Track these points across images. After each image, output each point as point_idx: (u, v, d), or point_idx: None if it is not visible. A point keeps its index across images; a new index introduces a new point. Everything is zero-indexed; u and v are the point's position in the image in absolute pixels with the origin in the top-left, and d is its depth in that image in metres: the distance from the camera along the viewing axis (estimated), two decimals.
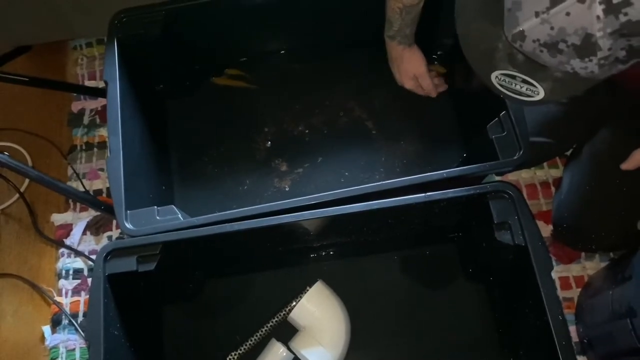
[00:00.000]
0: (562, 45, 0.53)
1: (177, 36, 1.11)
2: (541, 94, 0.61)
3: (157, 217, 0.92)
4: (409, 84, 1.11)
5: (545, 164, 1.17)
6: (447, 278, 1.07)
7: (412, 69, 1.09)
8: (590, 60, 0.52)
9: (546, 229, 1.11)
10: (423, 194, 0.89)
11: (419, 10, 0.99)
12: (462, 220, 1.01)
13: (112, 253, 0.89)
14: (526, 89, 0.62)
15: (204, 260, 1.04)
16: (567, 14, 0.50)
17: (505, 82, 0.62)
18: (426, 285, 1.07)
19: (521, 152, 0.91)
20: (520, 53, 0.58)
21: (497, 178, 1.12)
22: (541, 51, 0.55)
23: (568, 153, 1.11)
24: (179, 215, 0.92)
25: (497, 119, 0.95)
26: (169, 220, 0.91)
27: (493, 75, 0.62)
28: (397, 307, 1.05)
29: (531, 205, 0.99)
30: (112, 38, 1.05)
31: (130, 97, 1.04)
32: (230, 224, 0.90)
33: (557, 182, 1.14)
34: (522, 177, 1.17)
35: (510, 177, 1.16)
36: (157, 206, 0.93)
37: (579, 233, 1.02)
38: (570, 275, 1.09)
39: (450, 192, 0.90)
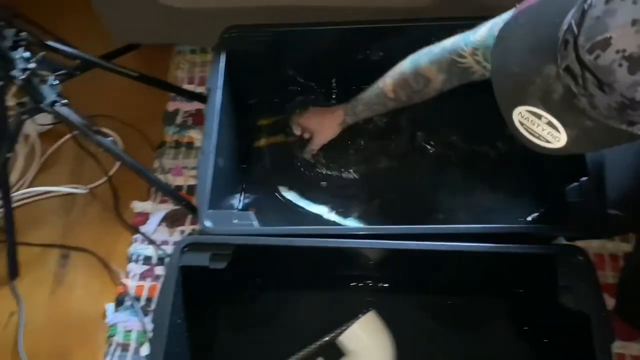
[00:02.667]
0: None
1: (278, 57, 1.18)
2: (562, 142, 0.58)
3: (234, 221, 0.97)
4: (296, 130, 1.18)
5: (617, 237, 1.16)
6: (500, 333, 1.06)
7: (317, 127, 1.14)
8: None
9: (609, 302, 1.09)
10: (492, 244, 0.91)
11: (385, 106, 1.02)
12: (524, 277, 1.01)
13: (189, 246, 0.95)
14: (547, 133, 0.58)
15: (268, 269, 1.09)
16: None
17: (528, 120, 0.59)
18: (477, 336, 1.07)
19: (595, 222, 0.91)
20: (559, 91, 0.54)
21: (566, 242, 1.11)
22: (620, 65, 0.49)
23: None
24: (255, 222, 0.98)
25: (577, 183, 0.96)
26: (245, 225, 0.97)
27: (516, 111, 0.59)
28: (444, 352, 1.05)
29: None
30: (221, 49, 1.13)
31: (226, 107, 1.11)
32: (300, 238, 0.95)
33: (627, 256, 1.12)
34: (591, 245, 1.16)
35: (580, 242, 1.15)
36: (236, 210, 0.99)
37: None
38: (627, 353, 1.06)
39: (519, 247, 0.91)
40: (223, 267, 0.93)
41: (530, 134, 0.60)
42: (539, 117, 0.58)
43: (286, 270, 1.09)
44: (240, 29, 1.15)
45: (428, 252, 0.94)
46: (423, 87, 0.95)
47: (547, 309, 0.94)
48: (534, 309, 1.03)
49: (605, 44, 0.50)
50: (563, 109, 0.55)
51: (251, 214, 0.99)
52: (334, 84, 1.29)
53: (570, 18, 0.54)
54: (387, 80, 0.98)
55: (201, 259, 0.94)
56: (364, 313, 1.04)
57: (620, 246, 1.16)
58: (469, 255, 0.94)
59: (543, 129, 0.58)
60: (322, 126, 1.13)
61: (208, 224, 0.96)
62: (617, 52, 0.49)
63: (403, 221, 1.01)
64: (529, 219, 1.09)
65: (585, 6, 0.52)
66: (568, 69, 0.53)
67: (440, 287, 1.09)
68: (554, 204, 1.04)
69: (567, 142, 0.57)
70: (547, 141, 0.59)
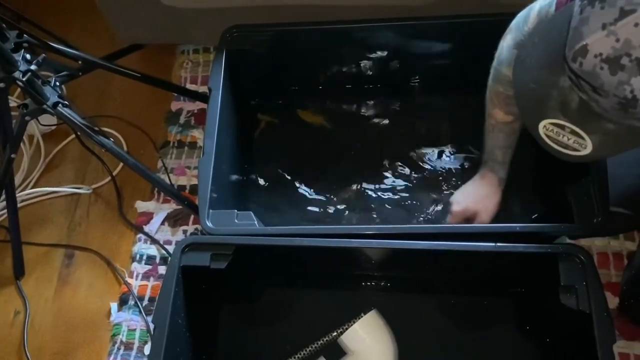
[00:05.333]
0: (625, 60, 0.50)
1: (280, 56, 1.18)
2: (588, 148, 0.59)
3: (236, 221, 0.98)
4: (455, 219, 1.03)
5: (621, 235, 1.15)
6: (502, 332, 1.06)
7: (478, 207, 1.00)
8: None
9: (613, 301, 1.08)
10: (493, 244, 0.91)
11: (513, 131, 0.95)
12: (527, 276, 1.01)
13: (190, 246, 0.95)
14: (573, 142, 0.60)
15: (269, 268, 1.09)
16: (636, 24, 0.49)
17: (553, 132, 0.61)
18: (480, 335, 1.06)
19: (598, 220, 0.90)
20: (574, 100, 0.56)
21: (569, 240, 1.10)
22: (601, 68, 0.52)
23: None
24: (256, 222, 0.98)
25: (580, 182, 0.95)
26: (246, 225, 0.97)
27: (541, 125, 0.61)
28: (446, 351, 1.05)
29: (601, 275, 0.97)
30: (222, 49, 1.14)
31: (228, 106, 1.12)
32: (301, 238, 0.95)
33: (631, 255, 1.11)
34: (595, 244, 1.15)
35: (583, 241, 1.14)
36: (237, 210, 0.99)
37: None
38: (631, 353, 1.05)
39: (520, 247, 0.90)
40: (223, 268, 0.94)
41: (558, 145, 0.62)
42: (563, 127, 0.60)
43: (287, 269, 1.09)
44: (241, 29, 1.15)
45: (430, 251, 0.93)
46: None
47: (549, 309, 0.93)
48: (536, 308, 1.02)
49: (584, 50, 0.53)
50: (582, 117, 0.57)
51: (252, 213, 0.99)
52: (336, 83, 1.29)
53: None
54: (493, 111, 0.94)
55: (202, 259, 0.94)
56: (365, 312, 1.04)
57: (625, 244, 1.15)
58: (472, 255, 0.93)
59: (569, 139, 0.60)
60: (483, 202, 1.01)
61: (209, 224, 0.96)
62: (595, 56, 0.52)
63: (402, 222, 1.01)
64: (532, 217, 1.09)
65: (570, 19, 0.55)
66: (570, 79, 0.56)
67: (442, 286, 1.09)
68: (557, 202, 1.03)
69: (594, 148, 0.59)
70: (575, 149, 0.61)
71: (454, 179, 1.17)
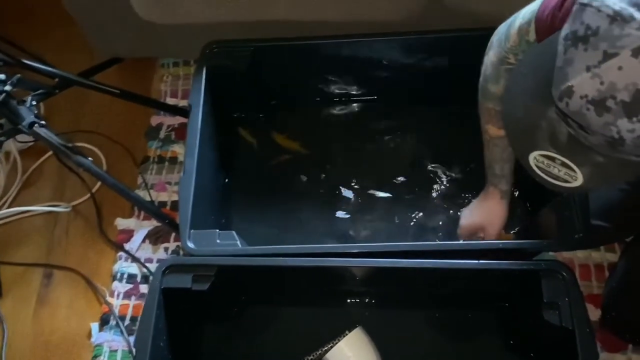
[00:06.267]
0: (610, 102, 0.50)
1: (260, 71, 1.18)
2: (579, 180, 0.59)
3: (218, 241, 0.96)
4: (465, 236, 1.04)
5: (602, 247, 1.16)
6: (486, 345, 1.06)
7: (484, 222, 1.00)
8: (639, 121, 0.50)
9: (595, 313, 1.09)
10: (476, 261, 0.91)
11: (508, 145, 0.92)
12: (510, 291, 1.01)
13: (171, 268, 0.94)
14: (564, 174, 0.59)
15: (252, 286, 1.08)
16: (620, 68, 0.49)
17: (544, 164, 0.60)
18: (464, 349, 1.07)
19: (580, 235, 0.91)
20: (563, 132, 0.56)
21: (552, 253, 1.11)
22: (587, 109, 0.52)
23: (628, 240, 1.09)
24: (238, 242, 0.97)
25: (560, 197, 0.96)
26: (228, 245, 0.96)
27: (531, 156, 0.61)
28: None
29: (582, 287, 0.98)
30: (202, 65, 1.13)
31: (209, 123, 1.11)
32: (284, 258, 0.94)
33: (612, 266, 1.12)
34: (577, 256, 1.16)
35: (565, 254, 1.15)
36: (218, 230, 0.98)
37: (629, 324, 1.00)
38: None
39: (503, 264, 0.91)
40: (205, 289, 0.92)
41: (549, 176, 0.61)
42: (553, 159, 0.59)
43: (271, 288, 1.08)
44: (221, 44, 1.14)
45: (414, 269, 0.93)
46: None
47: (533, 323, 0.94)
48: (520, 322, 1.03)
49: (569, 91, 0.52)
50: (572, 149, 0.57)
51: (234, 233, 0.98)
52: (316, 97, 1.29)
53: None
54: (486, 127, 0.94)
55: (183, 281, 0.93)
56: (350, 330, 1.03)
57: (606, 256, 1.16)
58: (455, 272, 0.93)
59: (559, 170, 0.60)
60: (488, 217, 1.01)
61: (190, 245, 0.95)
62: (581, 97, 0.52)
63: (383, 238, 1.01)
64: (512, 232, 1.09)
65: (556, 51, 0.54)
66: (558, 115, 0.56)
67: (427, 301, 1.09)
68: (540, 217, 1.04)
69: (585, 180, 0.58)
70: (566, 181, 0.60)
71: (435, 197, 1.18)
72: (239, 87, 1.20)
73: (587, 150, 0.56)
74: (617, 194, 1.03)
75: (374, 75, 1.22)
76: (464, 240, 1.04)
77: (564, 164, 0.59)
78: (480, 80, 0.91)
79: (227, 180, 1.23)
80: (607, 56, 0.50)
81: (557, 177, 0.61)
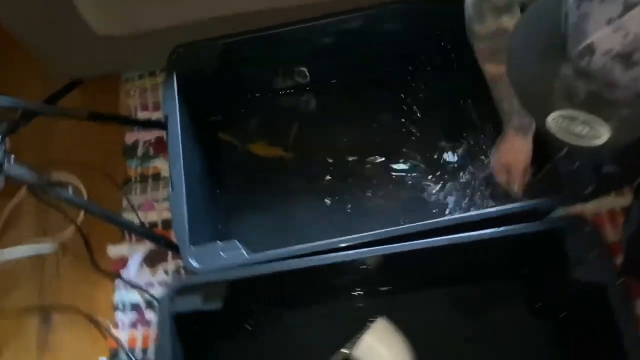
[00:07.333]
0: (637, 55, 0.48)
1: (233, 68, 1.12)
2: (604, 137, 0.55)
3: (222, 254, 0.91)
4: (500, 177, 1.04)
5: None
6: (512, 314, 1.03)
7: (509, 159, 1.00)
8: None
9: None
10: (498, 229, 0.87)
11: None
12: (529, 256, 0.98)
13: (178, 291, 0.88)
14: (587, 132, 0.56)
15: (263, 294, 1.02)
16: None
17: (564, 124, 0.57)
18: (491, 321, 1.03)
19: (593, 185, 0.88)
20: (581, 88, 0.53)
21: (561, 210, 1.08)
22: (613, 65, 0.49)
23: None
24: (243, 251, 0.91)
25: (564, 151, 0.92)
26: (234, 256, 0.91)
27: (550, 119, 0.57)
28: (462, 343, 1.02)
29: None
30: (171, 72, 1.06)
31: (188, 131, 1.05)
32: (294, 260, 0.89)
33: (626, 211, 1.09)
34: (587, 207, 1.13)
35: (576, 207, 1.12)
36: (218, 240, 0.93)
37: None
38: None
39: (523, 227, 0.87)
40: (219, 308, 0.87)
41: (571, 137, 0.58)
42: (573, 119, 0.55)
43: (282, 292, 1.03)
44: (188, 47, 1.08)
45: (428, 249, 0.89)
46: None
47: (559, 284, 0.91)
48: (545, 286, 1.00)
49: (590, 49, 0.50)
50: (593, 105, 0.53)
51: (236, 242, 0.93)
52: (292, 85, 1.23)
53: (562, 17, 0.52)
54: (485, 67, 0.92)
55: (193, 303, 0.88)
56: (373, 321, 0.99)
57: (616, 200, 1.13)
58: (472, 245, 0.89)
59: (582, 129, 0.56)
60: (512, 154, 1.00)
61: (194, 263, 0.89)
62: (604, 54, 0.49)
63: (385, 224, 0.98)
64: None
65: (565, 10, 0.51)
66: (576, 72, 0.52)
67: (445, 280, 1.05)
68: (545, 176, 1.00)
69: (611, 135, 0.55)
70: (591, 139, 0.57)
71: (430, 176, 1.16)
72: (211, 88, 1.15)
73: (610, 105, 0.53)
74: None
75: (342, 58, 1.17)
76: (502, 182, 1.04)
77: (585, 122, 0.55)
78: (466, 22, 0.89)
79: (217, 187, 1.17)
80: (628, 6, 0.47)
81: (580, 136, 0.57)
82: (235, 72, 1.14)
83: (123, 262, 1.20)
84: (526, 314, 1.02)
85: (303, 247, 0.91)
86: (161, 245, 1.06)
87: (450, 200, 1.12)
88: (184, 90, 1.06)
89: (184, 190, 0.95)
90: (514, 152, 1.00)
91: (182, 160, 0.97)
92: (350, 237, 0.91)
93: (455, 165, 1.15)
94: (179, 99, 1.04)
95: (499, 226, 0.88)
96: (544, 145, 0.97)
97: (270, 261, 0.90)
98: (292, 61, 1.19)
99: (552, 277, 0.94)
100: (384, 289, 1.06)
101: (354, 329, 1.01)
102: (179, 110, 1.02)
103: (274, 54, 1.14)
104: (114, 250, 1.21)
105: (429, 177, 1.15)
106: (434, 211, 1.11)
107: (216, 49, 1.08)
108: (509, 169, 1.02)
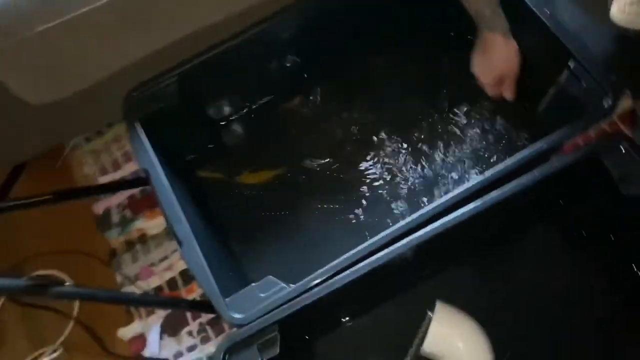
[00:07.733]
0: None
1: (195, 97, 1.03)
2: None
3: (261, 295, 0.82)
4: (491, 89, 0.99)
5: None
6: (563, 256, 0.99)
7: (503, 68, 0.95)
8: None
9: None
10: (533, 171, 0.82)
11: None
12: (565, 189, 0.93)
13: (229, 351, 0.78)
14: None
15: (314, 321, 0.94)
16: None
17: (633, 9, 0.55)
18: (545, 267, 0.99)
19: (612, 99, 0.84)
20: None
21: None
22: None
23: None
24: (283, 284, 0.82)
25: (566, 70, 0.89)
26: (276, 292, 0.81)
27: (614, 9, 0.55)
28: (525, 300, 0.97)
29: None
30: (132, 120, 0.96)
31: (173, 179, 0.94)
32: (339, 276, 0.82)
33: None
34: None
35: None
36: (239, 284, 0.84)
37: None
38: None
39: (561, 163, 0.82)
40: (277, 353, 0.78)
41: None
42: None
43: (332, 312, 0.95)
44: (142, 89, 0.97)
45: (468, 218, 0.83)
46: None
47: (608, 207, 0.88)
48: (585, 215, 0.96)
49: None
50: None
51: (271, 277, 0.84)
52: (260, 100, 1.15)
53: None
54: None
55: (250, 357, 0.78)
56: (431, 309, 0.92)
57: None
58: (512, 197, 0.84)
59: None
60: (506, 62, 0.94)
61: (236, 315, 0.80)
62: None
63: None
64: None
65: None
66: None
67: (487, 243, 0.99)
68: (550, 106, 0.97)
69: None
70: None
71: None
72: (178, 126, 1.04)
73: None
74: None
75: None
76: (493, 96, 0.99)
77: None
78: None
79: (219, 229, 1.06)
80: None
81: None
82: (197, 102, 1.05)
83: (141, 341, 1.08)
84: (576, 245, 0.98)
85: (343, 259, 0.83)
86: (184, 308, 0.95)
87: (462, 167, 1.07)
88: (151, 137, 0.95)
89: (195, 243, 0.85)
90: (508, 60, 0.95)
91: (181, 212, 0.87)
92: (386, 233, 0.84)
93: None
94: (152, 148, 0.93)
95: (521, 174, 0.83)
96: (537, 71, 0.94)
97: (314, 287, 0.81)
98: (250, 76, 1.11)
99: (598, 202, 0.90)
100: (426, 272, 1.00)
101: (414, 326, 0.94)
102: (157, 160, 0.92)
103: (232, 69, 1.05)
104: (126, 332, 1.10)
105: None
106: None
107: (173, 83, 0.98)
108: (503, 78, 0.97)
